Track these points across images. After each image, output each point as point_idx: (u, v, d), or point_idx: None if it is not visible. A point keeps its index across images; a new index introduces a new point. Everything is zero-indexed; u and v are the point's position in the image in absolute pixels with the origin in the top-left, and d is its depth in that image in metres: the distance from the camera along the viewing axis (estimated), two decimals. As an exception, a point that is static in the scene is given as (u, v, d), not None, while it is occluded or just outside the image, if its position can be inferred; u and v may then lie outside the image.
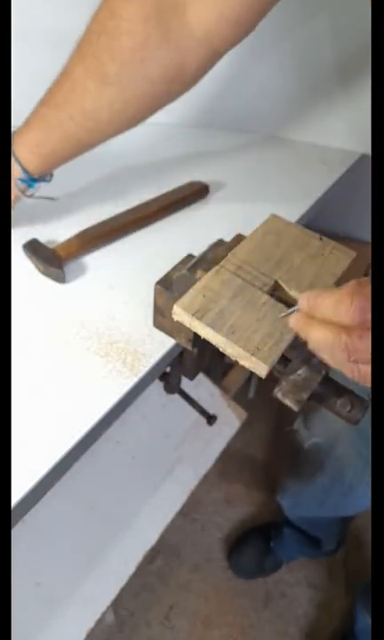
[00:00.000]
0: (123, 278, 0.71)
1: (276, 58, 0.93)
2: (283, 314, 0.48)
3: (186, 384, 0.93)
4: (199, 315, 0.48)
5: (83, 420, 0.55)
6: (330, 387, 0.51)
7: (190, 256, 0.58)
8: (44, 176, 0.69)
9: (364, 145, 1.00)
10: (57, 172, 0.88)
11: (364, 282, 0.34)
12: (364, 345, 0.34)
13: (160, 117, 1.03)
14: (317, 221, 0.98)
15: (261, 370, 0.46)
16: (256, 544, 1.35)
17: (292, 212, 0.84)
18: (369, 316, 0.32)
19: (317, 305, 0.37)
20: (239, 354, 0.47)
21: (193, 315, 0.48)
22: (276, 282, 0.52)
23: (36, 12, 0.80)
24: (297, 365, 0.50)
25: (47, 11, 0.81)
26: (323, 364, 0.50)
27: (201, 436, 1.37)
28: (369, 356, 0.34)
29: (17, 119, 0.91)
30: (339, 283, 0.55)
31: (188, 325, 0.50)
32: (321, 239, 0.58)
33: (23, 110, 0.89)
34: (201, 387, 1.40)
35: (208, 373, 1.45)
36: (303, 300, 0.39)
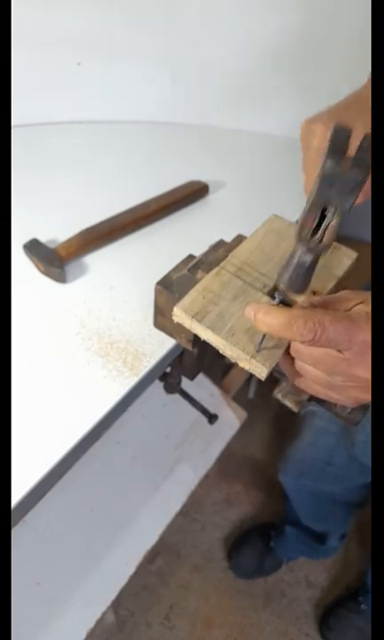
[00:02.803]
0: (123, 278, 0.71)
1: (277, 57, 0.92)
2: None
3: (186, 384, 0.93)
4: (199, 317, 0.48)
5: (83, 419, 0.55)
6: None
7: (191, 256, 0.58)
8: None
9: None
10: (57, 172, 0.88)
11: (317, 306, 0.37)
12: (310, 351, 0.37)
13: (160, 117, 1.03)
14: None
15: (261, 372, 0.46)
16: (256, 544, 1.35)
17: (293, 212, 0.84)
18: (317, 335, 0.35)
19: (266, 321, 0.38)
20: (239, 356, 0.46)
21: (193, 317, 0.48)
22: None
23: (36, 12, 0.80)
24: (297, 366, 0.50)
25: (48, 11, 0.81)
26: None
27: (201, 436, 1.37)
28: (309, 358, 0.37)
29: (17, 119, 0.91)
30: (340, 283, 0.54)
31: (188, 327, 0.50)
32: (321, 240, 0.57)
33: (23, 110, 0.89)
34: (201, 387, 1.40)
35: (208, 373, 1.45)
36: (249, 310, 0.40)
